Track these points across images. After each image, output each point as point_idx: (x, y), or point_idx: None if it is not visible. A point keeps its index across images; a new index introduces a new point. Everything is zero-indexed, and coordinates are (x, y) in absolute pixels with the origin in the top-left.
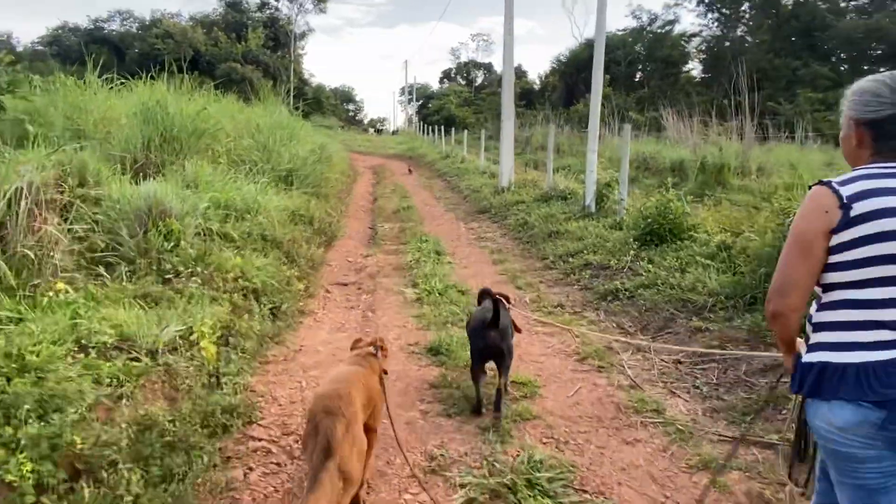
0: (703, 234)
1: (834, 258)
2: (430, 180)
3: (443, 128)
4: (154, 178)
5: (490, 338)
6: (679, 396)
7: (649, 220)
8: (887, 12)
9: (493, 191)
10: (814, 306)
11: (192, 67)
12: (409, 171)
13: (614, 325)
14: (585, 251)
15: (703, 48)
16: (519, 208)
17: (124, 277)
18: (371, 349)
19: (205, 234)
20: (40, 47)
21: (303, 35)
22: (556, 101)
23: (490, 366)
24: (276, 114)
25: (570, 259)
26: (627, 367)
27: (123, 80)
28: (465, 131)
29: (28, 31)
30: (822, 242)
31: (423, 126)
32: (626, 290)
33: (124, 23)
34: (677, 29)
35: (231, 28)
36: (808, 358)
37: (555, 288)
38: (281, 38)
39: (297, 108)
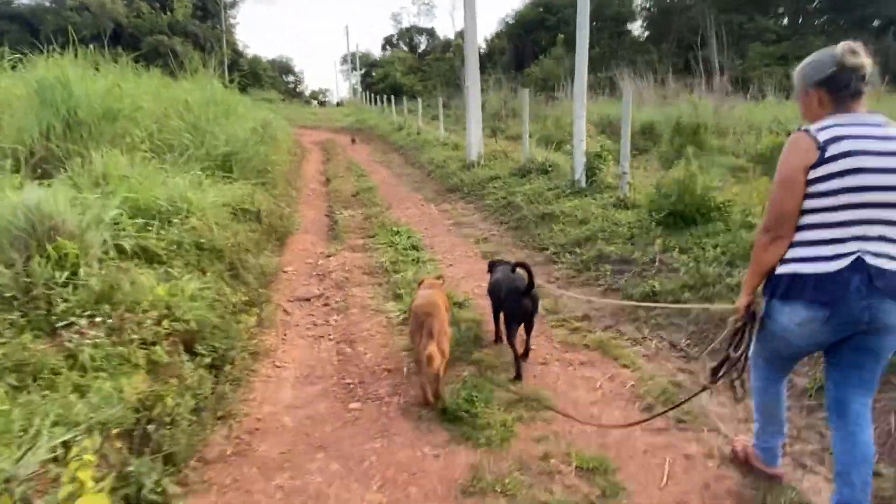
0: (738, 214)
1: (810, 189)
2: (386, 155)
3: (392, 97)
4: (53, 176)
5: (525, 304)
6: (813, 471)
7: (671, 197)
8: None
9: (461, 165)
10: None
11: (113, 42)
12: (353, 140)
13: (667, 344)
14: (595, 238)
15: (648, 6)
16: (495, 185)
17: None
18: (439, 280)
19: (117, 254)
20: None
21: (233, 3)
22: (506, 65)
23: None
24: (208, 88)
25: (578, 249)
26: (717, 418)
27: (21, 55)
28: (419, 100)
29: None
30: (803, 177)
31: (369, 96)
32: (667, 292)
33: None
34: None
35: None
36: (781, 269)
37: (569, 290)
38: (210, 7)
39: (231, 81)
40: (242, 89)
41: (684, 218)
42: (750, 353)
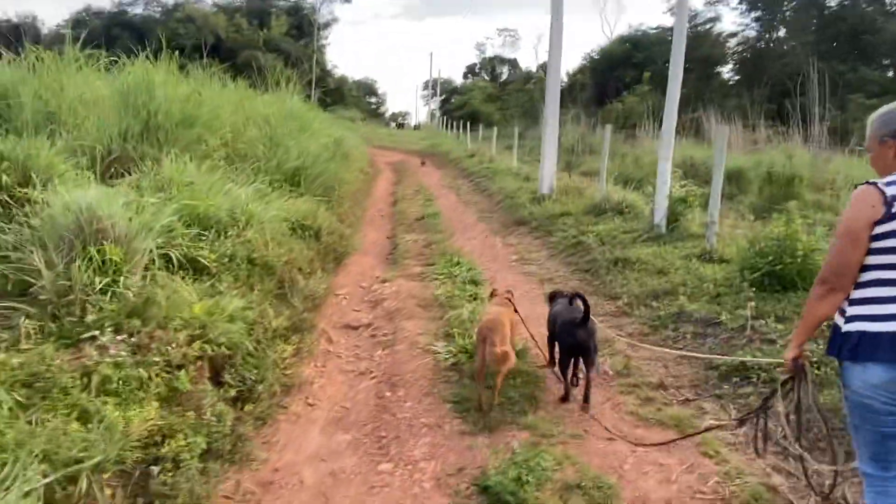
0: None
1: (874, 245)
2: (455, 180)
3: (468, 124)
4: (125, 178)
5: (579, 335)
6: None
7: (768, 256)
8: None
9: (532, 198)
10: None
11: (212, 54)
12: (423, 163)
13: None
14: (676, 293)
15: (741, 49)
16: (566, 222)
17: (23, 336)
18: (508, 295)
19: (164, 263)
20: (65, 31)
21: (327, 25)
22: (587, 100)
23: None
24: (287, 102)
25: (654, 303)
26: None
27: (115, 59)
28: (495, 128)
29: (53, 15)
30: (867, 232)
31: (447, 121)
32: (760, 369)
33: (147, 6)
34: (718, 27)
35: (254, 15)
36: (847, 328)
37: (642, 350)
38: (304, 27)
39: (309, 97)
40: (326, 106)
41: (782, 280)
42: (858, 465)
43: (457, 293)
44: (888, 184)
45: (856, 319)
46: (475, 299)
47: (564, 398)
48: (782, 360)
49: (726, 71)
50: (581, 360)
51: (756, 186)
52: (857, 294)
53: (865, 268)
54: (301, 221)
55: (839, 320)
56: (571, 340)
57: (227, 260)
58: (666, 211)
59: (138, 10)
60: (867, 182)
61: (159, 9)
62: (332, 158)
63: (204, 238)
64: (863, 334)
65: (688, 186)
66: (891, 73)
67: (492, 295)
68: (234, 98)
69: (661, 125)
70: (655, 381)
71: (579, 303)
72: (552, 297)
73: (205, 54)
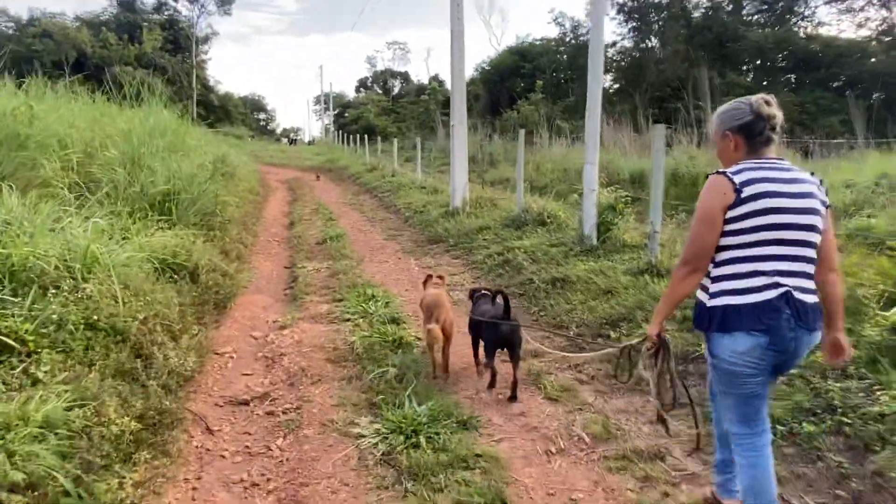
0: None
1: (728, 227)
2: (357, 196)
3: (366, 137)
4: None
5: (503, 329)
6: None
7: None
8: (791, 25)
9: (444, 212)
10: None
11: (77, 71)
12: (317, 177)
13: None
14: (634, 318)
15: (620, 58)
16: (486, 237)
17: None
18: (439, 280)
19: None
20: None
21: (206, 39)
22: (481, 111)
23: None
24: (155, 117)
25: (612, 333)
26: None
27: None
28: (395, 140)
29: None
30: (721, 216)
31: (342, 136)
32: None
33: None
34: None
35: (123, 29)
36: (712, 303)
37: (616, 400)
38: (181, 41)
39: (191, 114)
40: (210, 124)
41: None
42: (726, 426)
43: (376, 337)
44: (735, 172)
45: (720, 295)
46: (400, 345)
47: (491, 384)
48: (647, 335)
49: (609, 79)
50: (508, 353)
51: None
52: (717, 272)
53: (722, 248)
54: (170, 260)
55: (703, 297)
56: (495, 335)
57: (52, 329)
58: (595, 220)
59: None
60: (717, 172)
61: (11, 24)
62: (212, 178)
63: (15, 303)
64: (727, 307)
65: (617, 192)
66: (750, 77)
67: (426, 280)
68: (89, 115)
69: (549, 131)
70: (646, 446)
71: (500, 300)
72: (472, 295)
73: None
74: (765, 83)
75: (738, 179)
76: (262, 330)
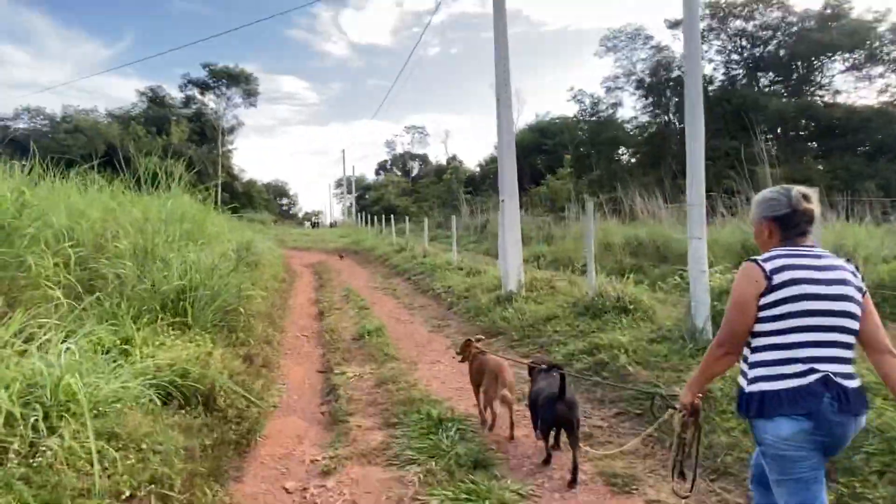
0: None
1: (762, 314)
2: (387, 280)
3: (391, 217)
4: None
5: (559, 409)
6: None
7: None
8: (808, 94)
9: (496, 297)
10: (745, 350)
11: (107, 165)
12: (341, 256)
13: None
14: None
15: (638, 133)
16: (556, 328)
17: None
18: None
19: None
20: None
21: (231, 130)
22: None
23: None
24: (174, 202)
25: None
26: None
27: None
28: (426, 220)
29: None
30: (754, 302)
31: (364, 216)
32: None
33: (32, 121)
34: (620, 112)
35: (152, 123)
36: (750, 389)
37: None
38: (208, 132)
39: (216, 201)
40: (234, 211)
41: None
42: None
43: (462, 496)
44: (766, 259)
45: (757, 381)
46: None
47: (547, 461)
48: (680, 403)
49: (630, 153)
50: (566, 434)
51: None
52: (754, 358)
53: (757, 334)
54: (183, 379)
55: (742, 382)
56: (551, 415)
57: None
58: (709, 310)
59: (22, 124)
60: (749, 259)
61: (45, 122)
62: (236, 269)
63: None
64: (764, 393)
65: (726, 272)
66: (774, 145)
67: (466, 346)
68: (103, 204)
69: (583, 206)
70: None
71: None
72: (532, 371)
73: (97, 164)
74: (789, 152)
75: (769, 267)
76: (297, 478)
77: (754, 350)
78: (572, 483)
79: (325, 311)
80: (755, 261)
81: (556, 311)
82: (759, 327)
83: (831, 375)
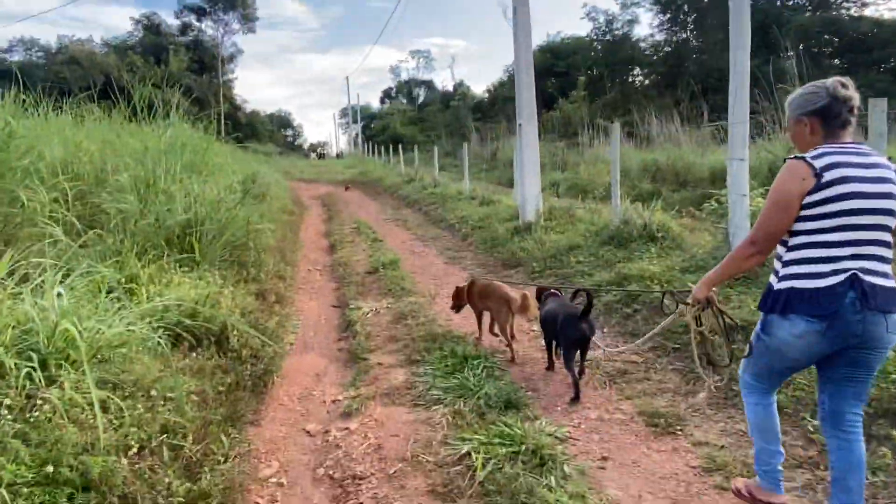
0: None
1: (805, 212)
2: (398, 211)
3: (399, 146)
4: None
5: (583, 329)
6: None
7: None
8: (834, 8)
9: (513, 228)
10: (780, 248)
11: (103, 95)
12: (347, 188)
13: None
14: None
15: (653, 51)
16: (580, 258)
17: None
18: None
19: None
20: None
21: (231, 58)
22: (513, 113)
23: None
24: (173, 133)
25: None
26: None
27: None
28: (435, 149)
29: None
30: (798, 202)
31: (371, 146)
32: None
33: (27, 52)
34: (636, 30)
35: (149, 52)
36: (779, 286)
37: None
38: (207, 61)
39: (219, 133)
40: (240, 142)
41: None
42: (740, 371)
43: (498, 445)
44: (815, 157)
45: (787, 279)
46: (542, 462)
47: (576, 396)
48: (691, 296)
49: (645, 73)
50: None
51: None
52: (789, 256)
53: (796, 233)
54: (190, 322)
55: (773, 280)
56: (576, 334)
57: None
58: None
59: (17, 56)
60: (795, 156)
61: (41, 53)
62: (243, 202)
63: None
64: (791, 290)
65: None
66: (793, 63)
67: (458, 295)
68: (100, 136)
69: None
70: None
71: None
72: (540, 295)
73: (95, 95)
74: (813, 69)
75: (818, 164)
76: (318, 419)
77: (790, 248)
78: (580, 374)
79: (337, 244)
80: (802, 158)
81: (578, 240)
82: (799, 226)
83: (859, 274)
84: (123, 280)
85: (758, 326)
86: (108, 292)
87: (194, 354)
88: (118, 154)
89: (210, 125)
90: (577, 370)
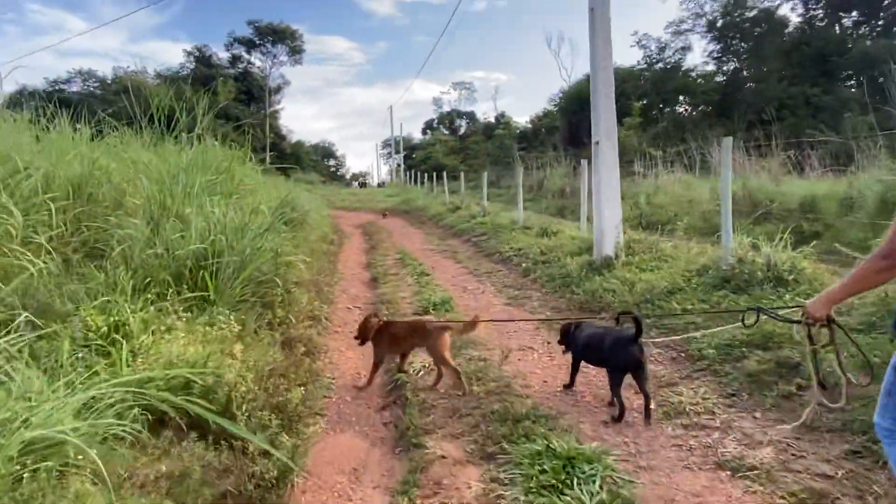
0: None
1: None
2: (444, 241)
3: (443, 175)
4: None
5: (633, 353)
6: None
7: None
8: None
9: (587, 263)
10: None
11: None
12: (384, 215)
13: None
14: None
15: (703, 82)
16: (689, 308)
17: None
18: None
19: None
20: None
21: (278, 89)
22: (558, 142)
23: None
24: (196, 149)
25: None
26: None
27: None
28: (485, 174)
29: None
30: None
31: (413, 175)
32: None
33: (85, 84)
34: (689, 58)
35: (199, 83)
36: None
37: None
38: (254, 91)
39: (264, 162)
40: (284, 172)
41: None
42: (876, 418)
43: None
44: None
45: None
46: None
47: (620, 416)
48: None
49: (695, 103)
50: (635, 375)
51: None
52: None
53: None
54: (182, 398)
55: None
56: (626, 358)
57: None
58: None
59: (75, 87)
60: None
61: (97, 84)
62: (271, 229)
63: None
64: None
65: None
66: (854, 90)
67: (365, 325)
68: (125, 156)
69: (652, 160)
70: None
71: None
72: (568, 330)
73: (143, 124)
74: (879, 96)
75: None
76: None
77: None
78: (647, 414)
79: (380, 277)
80: None
81: (679, 281)
82: None
83: None
84: (106, 329)
85: (894, 357)
86: (82, 348)
87: (182, 445)
88: (140, 173)
89: (246, 143)
90: (643, 395)
